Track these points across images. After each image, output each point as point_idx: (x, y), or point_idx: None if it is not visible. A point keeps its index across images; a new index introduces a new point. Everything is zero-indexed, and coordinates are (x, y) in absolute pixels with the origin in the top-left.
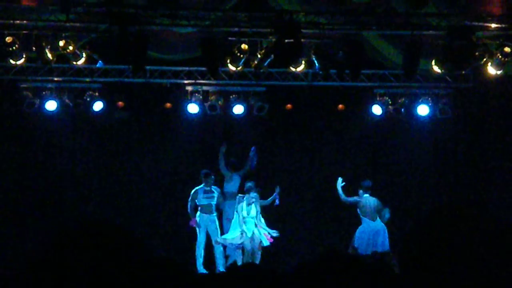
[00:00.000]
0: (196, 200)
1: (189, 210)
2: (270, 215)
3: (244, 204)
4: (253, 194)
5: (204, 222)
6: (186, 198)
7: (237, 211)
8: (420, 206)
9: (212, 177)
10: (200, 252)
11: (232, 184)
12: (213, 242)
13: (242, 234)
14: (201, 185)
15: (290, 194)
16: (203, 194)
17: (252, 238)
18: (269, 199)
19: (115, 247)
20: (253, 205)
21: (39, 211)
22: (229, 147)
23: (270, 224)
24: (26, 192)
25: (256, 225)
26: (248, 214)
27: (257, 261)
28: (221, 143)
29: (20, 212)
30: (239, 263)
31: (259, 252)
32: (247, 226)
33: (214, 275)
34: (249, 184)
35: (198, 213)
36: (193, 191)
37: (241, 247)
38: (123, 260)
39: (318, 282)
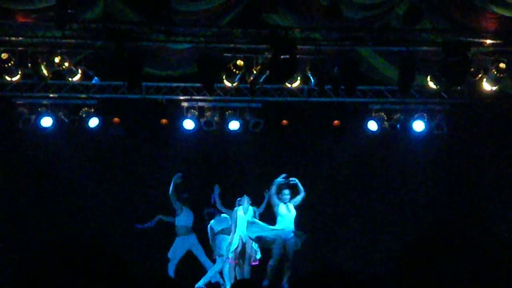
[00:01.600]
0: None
1: None
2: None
3: (241, 207)
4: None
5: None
6: None
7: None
8: (416, 221)
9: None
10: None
11: (185, 219)
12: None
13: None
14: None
15: None
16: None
17: (245, 244)
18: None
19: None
20: (251, 208)
21: (34, 228)
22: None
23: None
24: (22, 208)
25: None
26: (245, 213)
27: (247, 275)
28: (176, 174)
29: (16, 228)
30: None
31: (248, 268)
32: (244, 226)
33: None
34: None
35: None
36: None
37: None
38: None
39: None
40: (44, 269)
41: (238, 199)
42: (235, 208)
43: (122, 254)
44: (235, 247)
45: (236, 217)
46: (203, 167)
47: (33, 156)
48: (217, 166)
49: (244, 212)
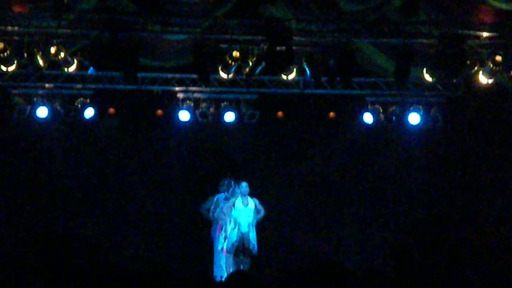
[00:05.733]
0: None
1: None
2: (260, 222)
3: (237, 197)
4: (244, 183)
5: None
6: (177, 204)
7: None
8: (410, 214)
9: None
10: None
11: None
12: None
13: (236, 227)
14: (223, 194)
15: (281, 201)
16: (223, 201)
17: (243, 236)
18: None
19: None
20: (248, 197)
21: (29, 218)
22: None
23: (260, 230)
24: (17, 198)
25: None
26: (246, 205)
27: (246, 267)
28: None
29: (11, 218)
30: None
31: (248, 259)
32: (243, 218)
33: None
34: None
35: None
36: (216, 198)
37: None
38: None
39: None
40: (37, 259)
41: (231, 188)
42: (232, 200)
43: (117, 245)
44: (233, 240)
45: (234, 209)
46: (198, 158)
47: (28, 146)
48: (212, 157)
49: (244, 204)
